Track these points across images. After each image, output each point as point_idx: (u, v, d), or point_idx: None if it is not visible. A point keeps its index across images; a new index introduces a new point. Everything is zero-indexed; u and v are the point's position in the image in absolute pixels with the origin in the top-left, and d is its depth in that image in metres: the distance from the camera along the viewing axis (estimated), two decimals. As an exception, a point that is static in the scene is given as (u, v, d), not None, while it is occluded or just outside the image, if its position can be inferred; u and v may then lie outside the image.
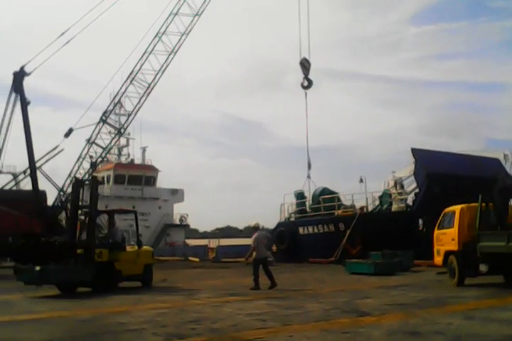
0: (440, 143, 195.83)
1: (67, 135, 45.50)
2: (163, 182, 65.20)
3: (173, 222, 64.37)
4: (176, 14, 43.33)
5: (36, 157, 44.13)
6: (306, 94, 37.66)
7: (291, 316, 11.89)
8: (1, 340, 10.55)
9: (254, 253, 18.73)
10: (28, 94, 44.46)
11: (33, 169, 43.74)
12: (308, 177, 36.79)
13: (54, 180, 46.38)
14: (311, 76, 37.53)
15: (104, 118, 46.06)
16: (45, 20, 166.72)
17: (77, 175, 47.28)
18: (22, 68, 43.28)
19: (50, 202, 45.77)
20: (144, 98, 45.12)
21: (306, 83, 37.65)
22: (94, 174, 55.62)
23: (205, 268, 31.92)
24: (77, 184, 20.80)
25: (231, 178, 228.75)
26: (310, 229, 34.06)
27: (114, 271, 18.68)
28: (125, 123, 47.29)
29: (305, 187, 37.02)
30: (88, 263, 18.13)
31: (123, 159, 64.91)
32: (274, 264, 31.29)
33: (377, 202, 33.33)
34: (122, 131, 48.23)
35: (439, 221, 19.11)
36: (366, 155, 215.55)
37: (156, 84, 44.74)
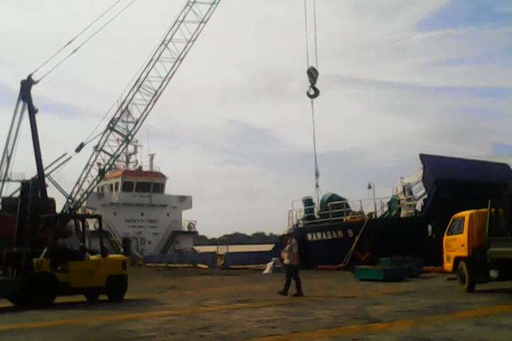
0: (448, 148, 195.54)
1: (78, 150, 45.62)
2: (170, 189, 65.35)
3: (182, 229, 64.43)
4: (182, 21, 43.54)
5: (44, 165, 44.32)
6: (312, 102, 37.45)
7: (301, 323, 11.85)
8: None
9: (288, 260, 18.42)
10: (35, 102, 44.77)
11: (41, 177, 43.84)
12: (317, 186, 36.68)
13: (62, 187, 46.60)
14: (317, 83, 37.37)
15: (111, 125, 46.18)
16: (53, 29, 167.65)
17: (86, 183, 47.53)
18: (29, 77, 43.49)
19: (58, 209, 45.95)
20: (150, 105, 45.20)
21: (312, 92, 37.33)
22: (103, 181, 55.95)
23: (214, 275, 31.89)
24: (25, 187, 19.56)
25: (238, 185, 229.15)
26: (318, 235, 33.97)
27: (55, 283, 16.71)
28: (132, 130, 47.44)
29: (314, 195, 37.00)
30: (18, 275, 16.69)
31: (131, 166, 65.10)
32: (283, 271, 31.29)
33: (385, 208, 33.24)
34: (130, 138, 48.35)
35: (448, 227, 19.03)
36: (374, 161, 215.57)
37: (162, 91, 44.81)
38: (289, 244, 18.50)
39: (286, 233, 19.27)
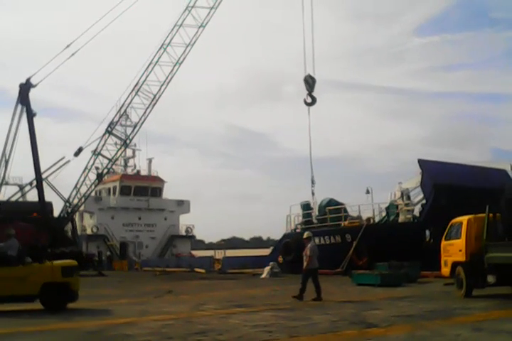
0: (446, 153, 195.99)
1: (76, 154, 45.82)
2: (168, 193, 65.36)
3: (179, 233, 64.46)
4: (181, 26, 43.65)
5: (42, 168, 44.33)
6: (309, 110, 37.32)
7: (298, 328, 11.81)
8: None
9: (305, 263, 18.20)
10: (33, 106, 44.78)
11: (39, 180, 43.89)
12: (313, 193, 36.70)
13: (60, 191, 46.63)
14: (315, 88, 37.20)
15: (109, 129, 46.32)
16: (52, 33, 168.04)
17: (84, 187, 47.56)
18: (28, 80, 43.61)
19: (56, 213, 45.93)
20: (149, 109, 45.40)
21: (309, 100, 37.22)
22: (101, 185, 55.99)
23: (211, 279, 31.85)
24: None
25: (236, 189, 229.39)
26: (316, 240, 33.82)
27: None
28: (131, 134, 47.54)
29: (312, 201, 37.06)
30: None
31: (129, 170, 65.14)
32: (280, 275, 31.28)
33: (383, 213, 33.21)
34: (128, 142, 48.48)
35: (446, 232, 19.01)
36: (372, 166, 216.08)
37: (161, 95, 45.05)
38: (306, 247, 18.43)
39: (305, 237, 19.14)
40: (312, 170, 37.13)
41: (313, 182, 36.72)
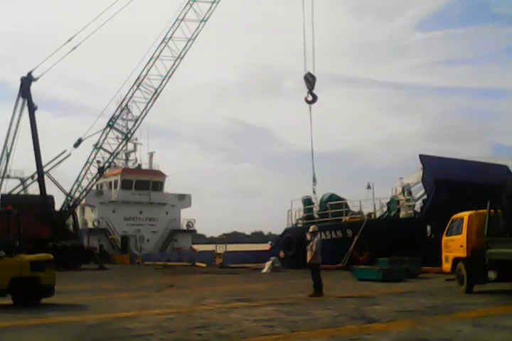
0: (447, 149, 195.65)
1: (76, 145, 45.86)
2: (169, 187, 65.35)
3: (180, 228, 64.46)
4: (182, 20, 43.53)
5: (43, 162, 44.41)
6: (310, 108, 37.12)
7: (299, 322, 11.84)
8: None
9: (309, 258, 18.17)
10: (35, 100, 44.84)
11: (40, 174, 43.98)
12: (314, 192, 36.59)
13: (61, 185, 46.67)
14: (317, 82, 37.01)
15: (111, 123, 46.29)
16: (54, 27, 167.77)
17: (85, 180, 47.62)
18: (29, 73, 43.67)
19: (57, 206, 45.98)
20: (150, 103, 45.37)
21: (310, 98, 37.02)
22: (102, 179, 56.09)
23: (212, 273, 31.90)
24: None
25: (237, 183, 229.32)
26: (317, 235, 33.87)
27: None
28: (132, 128, 47.54)
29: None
30: None
31: (130, 164, 65.12)
32: (281, 270, 31.32)
33: (385, 209, 33.19)
34: (129, 136, 48.48)
35: (447, 227, 19.00)
36: (373, 161, 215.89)
37: (162, 89, 45.00)
38: (312, 241, 18.40)
39: (310, 230, 19.13)
40: (314, 168, 36.95)
41: (314, 180, 36.53)
